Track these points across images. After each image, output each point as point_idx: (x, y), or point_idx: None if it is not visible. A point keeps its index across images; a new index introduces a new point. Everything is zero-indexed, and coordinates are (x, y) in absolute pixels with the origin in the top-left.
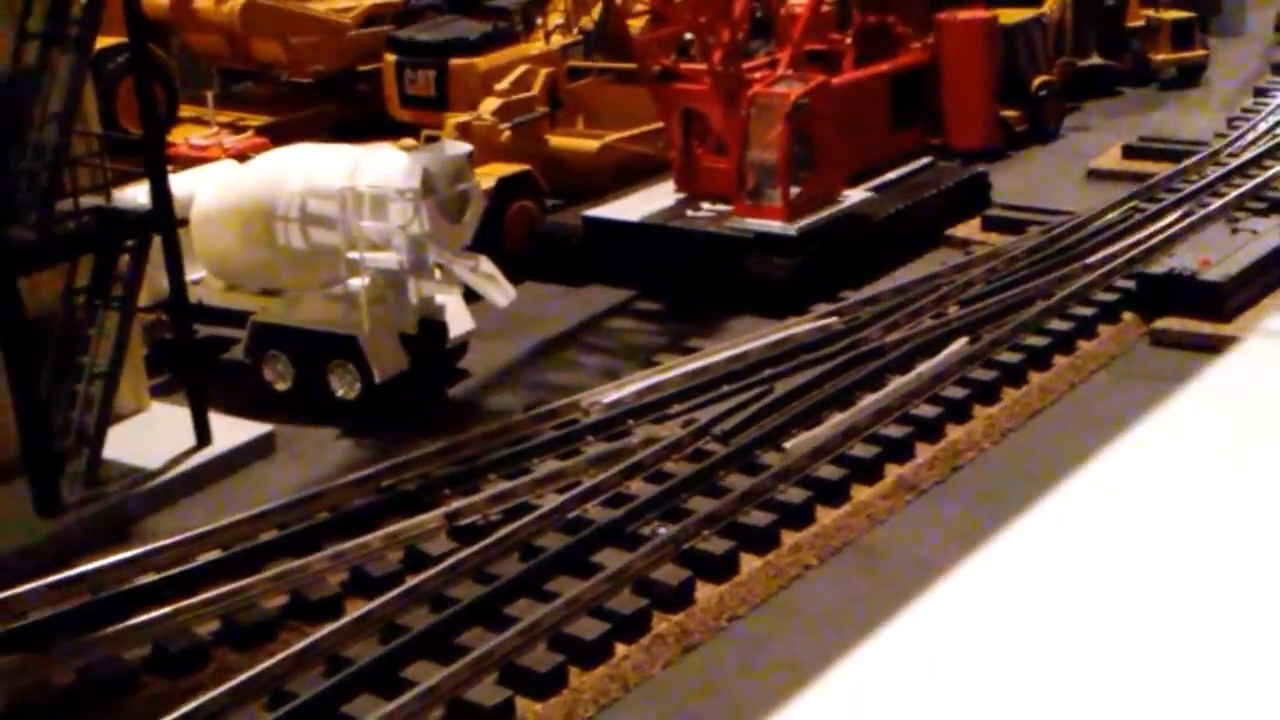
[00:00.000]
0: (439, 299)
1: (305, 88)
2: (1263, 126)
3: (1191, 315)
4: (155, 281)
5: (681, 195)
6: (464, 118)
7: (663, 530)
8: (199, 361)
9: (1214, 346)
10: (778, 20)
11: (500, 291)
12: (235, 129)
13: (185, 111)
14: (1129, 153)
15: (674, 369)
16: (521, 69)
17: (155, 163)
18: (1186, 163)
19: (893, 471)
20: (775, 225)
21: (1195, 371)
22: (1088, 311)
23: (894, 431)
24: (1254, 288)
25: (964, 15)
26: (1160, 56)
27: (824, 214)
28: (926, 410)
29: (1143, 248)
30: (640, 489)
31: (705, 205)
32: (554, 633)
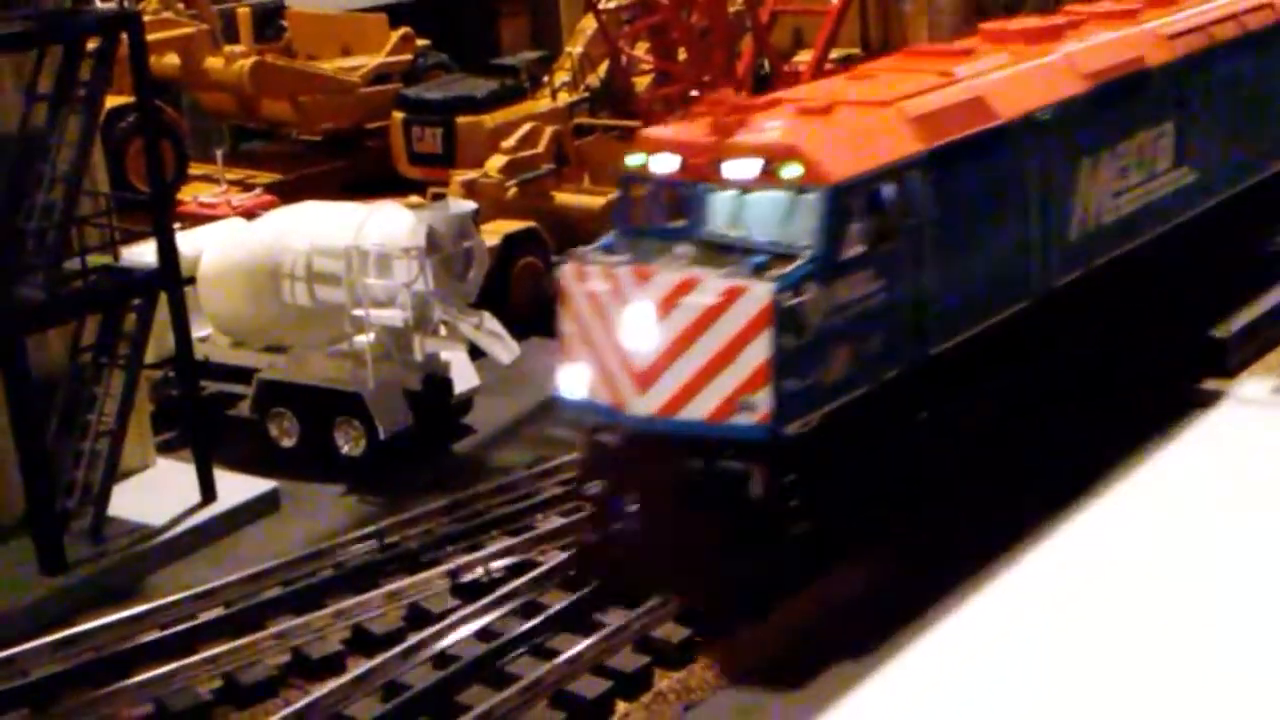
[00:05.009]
0: (444, 356)
1: (315, 145)
2: None
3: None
4: (162, 339)
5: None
6: (470, 175)
7: None
8: (204, 418)
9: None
10: (780, 78)
11: (505, 348)
12: (245, 187)
13: (196, 169)
14: None
15: None
16: (528, 126)
17: (162, 221)
18: None
19: None
20: None
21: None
22: None
23: None
24: (1257, 342)
25: None
26: None
27: None
28: None
29: None
30: None
31: None
32: (555, 690)
